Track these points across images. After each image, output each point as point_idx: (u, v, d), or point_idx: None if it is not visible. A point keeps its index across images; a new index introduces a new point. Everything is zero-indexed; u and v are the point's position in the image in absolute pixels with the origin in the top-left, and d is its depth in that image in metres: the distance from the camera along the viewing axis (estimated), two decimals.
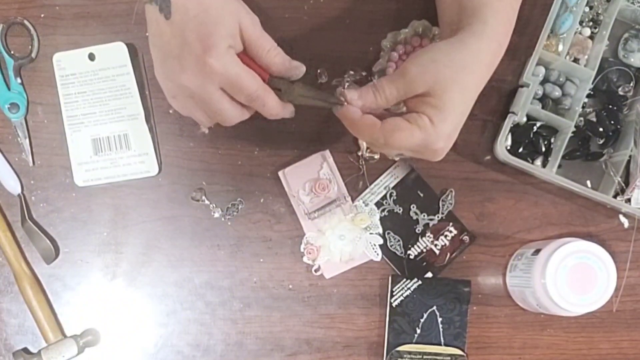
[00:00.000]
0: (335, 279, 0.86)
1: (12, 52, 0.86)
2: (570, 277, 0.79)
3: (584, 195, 0.86)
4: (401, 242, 0.87)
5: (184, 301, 0.86)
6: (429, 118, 0.68)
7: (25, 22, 0.86)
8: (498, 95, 0.88)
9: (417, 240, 0.87)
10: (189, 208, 0.86)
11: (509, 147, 0.87)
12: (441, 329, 0.85)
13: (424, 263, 0.87)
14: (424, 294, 0.85)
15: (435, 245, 0.87)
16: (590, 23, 0.88)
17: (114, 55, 0.85)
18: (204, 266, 0.86)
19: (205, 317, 0.86)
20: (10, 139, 0.87)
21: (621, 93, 0.88)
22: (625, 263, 0.87)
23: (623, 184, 0.85)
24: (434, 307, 0.86)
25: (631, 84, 0.88)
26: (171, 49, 0.67)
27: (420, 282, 0.86)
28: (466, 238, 0.87)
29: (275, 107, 0.71)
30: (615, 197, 0.85)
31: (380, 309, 0.87)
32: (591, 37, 0.88)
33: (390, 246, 0.87)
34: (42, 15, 0.87)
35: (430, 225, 0.87)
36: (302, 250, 0.86)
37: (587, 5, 0.86)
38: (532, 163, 0.86)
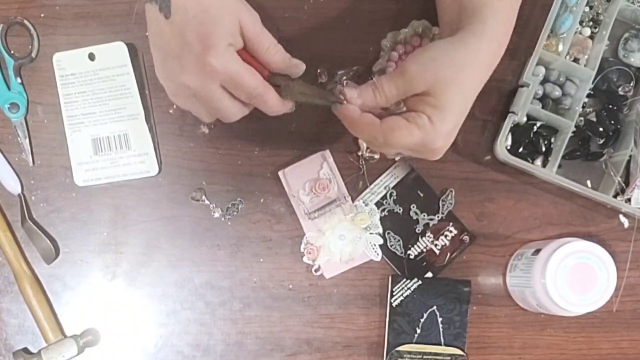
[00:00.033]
0: (335, 279, 0.86)
1: (12, 52, 0.86)
2: (570, 277, 0.79)
3: (584, 195, 0.86)
4: (401, 242, 0.87)
5: (184, 301, 0.86)
6: (428, 117, 0.68)
7: (25, 22, 0.86)
8: (498, 95, 0.88)
9: (417, 240, 0.87)
10: (189, 208, 0.86)
11: (509, 147, 0.87)
12: (441, 329, 0.85)
13: (424, 263, 0.87)
14: (424, 294, 0.85)
15: (435, 245, 0.87)
16: (590, 23, 0.88)
17: (114, 55, 0.85)
18: (204, 266, 0.86)
19: (205, 317, 0.86)
20: (10, 139, 0.87)
21: (621, 93, 0.88)
22: (625, 263, 0.87)
23: (623, 184, 0.85)
24: (434, 307, 0.86)
25: (631, 84, 0.88)
26: (171, 48, 0.67)
27: (420, 282, 0.86)
28: (466, 238, 0.87)
29: (275, 105, 0.71)
30: (615, 197, 0.85)
31: (380, 309, 0.87)
32: (591, 37, 0.88)
33: (390, 246, 0.87)
34: (42, 15, 0.87)
35: (430, 225, 0.87)
36: (302, 250, 0.86)
37: (587, 5, 0.86)
38: (532, 163, 0.86)
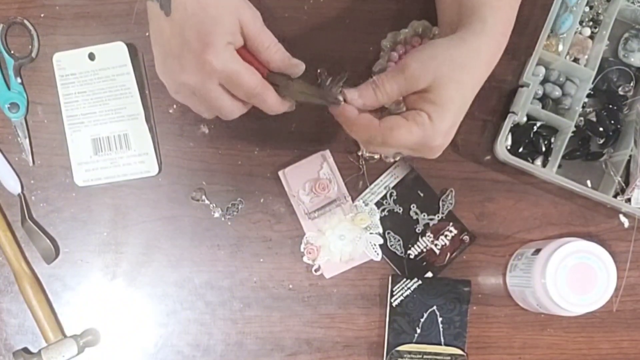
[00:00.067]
0: (335, 279, 0.86)
1: (12, 52, 0.86)
2: (570, 277, 0.79)
3: (584, 195, 0.86)
4: (401, 242, 0.87)
5: (184, 301, 0.86)
6: (427, 115, 0.68)
7: (25, 22, 0.86)
8: (498, 95, 0.88)
9: (417, 240, 0.87)
10: (189, 208, 0.86)
11: (509, 147, 0.87)
12: (441, 329, 0.85)
13: (424, 263, 0.87)
14: (424, 294, 0.85)
15: (436, 245, 0.87)
16: (590, 23, 0.88)
17: (114, 55, 0.85)
18: (204, 266, 0.86)
19: (205, 317, 0.86)
20: (10, 139, 0.87)
21: (621, 93, 0.88)
22: (625, 263, 0.87)
23: (623, 184, 0.85)
24: (434, 307, 0.85)
25: (631, 84, 0.88)
26: (171, 47, 0.67)
27: (420, 282, 0.86)
28: (466, 238, 0.87)
29: (274, 104, 0.71)
30: (615, 197, 0.85)
31: (380, 309, 0.87)
32: (591, 37, 0.88)
33: (390, 246, 0.87)
34: (42, 15, 0.87)
35: (430, 225, 0.87)
36: (302, 250, 0.86)
37: (587, 5, 0.86)
38: (532, 163, 0.86)
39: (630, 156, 0.85)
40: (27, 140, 0.86)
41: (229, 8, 0.67)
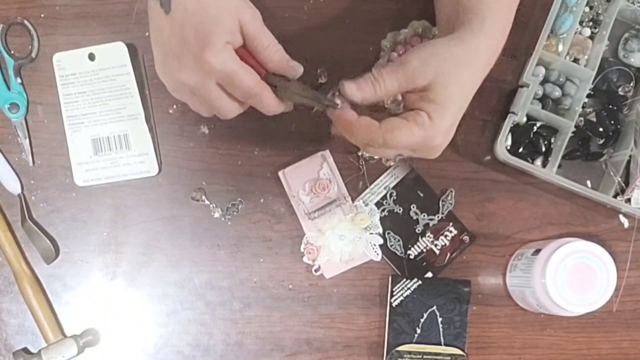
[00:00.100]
0: (335, 279, 0.86)
1: (12, 52, 0.86)
2: (570, 277, 0.79)
3: (584, 195, 0.86)
4: (401, 242, 0.87)
5: (184, 301, 0.86)
6: (427, 114, 0.68)
7: (25, 22, 0.86)
8: (498, 95, 0.88)
9: (417, 240, 0.87)
10: (189, 208, 0.86)
11: (509, 147, 0.87)
12: (441, 329, 0.85)
13: (424, 263, 0.87)
14: (424, 294, 0.85)
15: (435, 245, 0.87)
16: (590, 23, 0.88)
17: (114, 55, 0.85)
18: (204, 266, 0.86)
19: (205, 317, 0.86)
20: (10, 139, 0.87)
21: (621, 93, 0.88)
22: (625, 263, 0.87)
23: (623, 184, 0.85)
24: (434, 307, 0.85)
25: (631, 84, 0.88)
26: (171, 47, 0.67)
27: (420, 282, 0.85)
28: (466, 238, 0.87)
29: (271, 105, 0.70)
30: (615, 197, 0.85)
31: (380, 309, 0.87)
32: (591, 37, 0.88)
33: (390, 246, 0.87)
34: (42, 15, 0.87)
35: (430, 225, 0.87)
36: (302, 250, 0.86)
37: (587, 5, 0.86)
38: (532, 163, 0.86)
39: (630, 156, 0.85)
40: (27, 140, 0.86)
41: (229, 8, 0.67)
